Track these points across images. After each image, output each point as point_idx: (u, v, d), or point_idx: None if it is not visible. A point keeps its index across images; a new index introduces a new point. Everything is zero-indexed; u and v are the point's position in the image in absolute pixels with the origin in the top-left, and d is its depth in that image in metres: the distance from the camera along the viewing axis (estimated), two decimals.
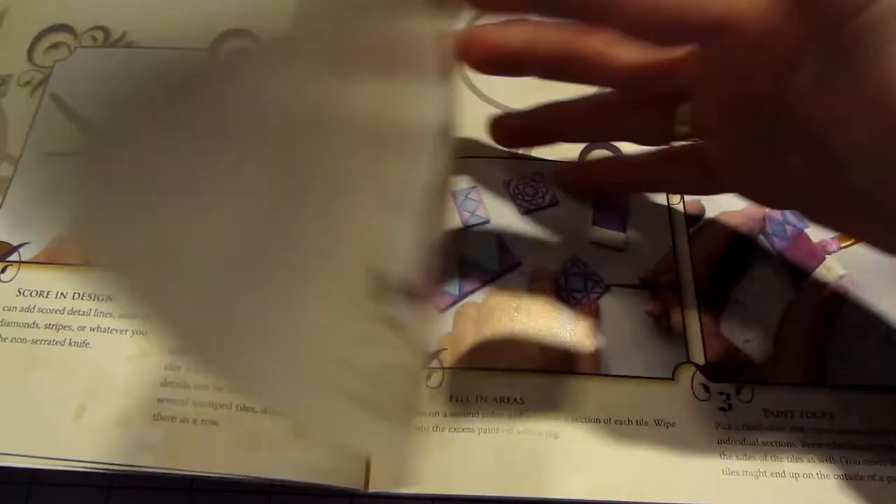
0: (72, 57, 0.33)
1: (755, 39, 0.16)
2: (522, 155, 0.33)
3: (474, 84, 0.35)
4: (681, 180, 0.28)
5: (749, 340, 0.29)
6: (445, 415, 0.27)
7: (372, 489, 0.26)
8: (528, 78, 0.35)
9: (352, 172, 0.18)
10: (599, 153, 0.33)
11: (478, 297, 0.29)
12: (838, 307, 0.29)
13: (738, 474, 0.26)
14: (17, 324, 0.26)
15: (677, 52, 0.21)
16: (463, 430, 0.27)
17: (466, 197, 0.31)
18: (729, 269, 0.30)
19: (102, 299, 0.26)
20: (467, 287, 0.30)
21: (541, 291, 0.29)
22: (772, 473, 0.26)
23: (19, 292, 0.27)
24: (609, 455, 0.26)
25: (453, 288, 0.30)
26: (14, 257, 0.28)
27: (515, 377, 0.28)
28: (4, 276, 0.27)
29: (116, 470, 0.23)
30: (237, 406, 0.24)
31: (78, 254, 0.26)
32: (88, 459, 0.23)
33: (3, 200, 0.29)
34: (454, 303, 0.29)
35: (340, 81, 0.16)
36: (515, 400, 0.27)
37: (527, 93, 0.35)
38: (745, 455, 0.27)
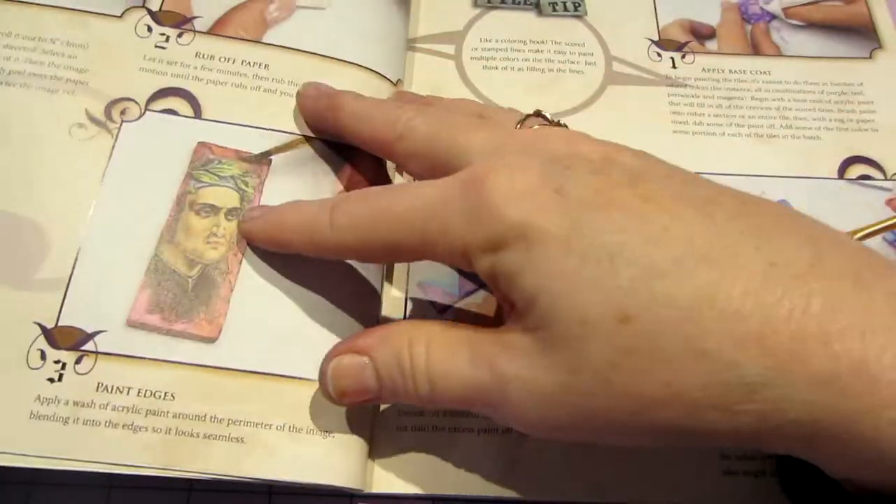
0: None
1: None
2: None
3: (473, 84, 0.35)
4: None
5: None
6: (445, 415, 0.27)
7: (372, 489, 0.26)
8: (527, 77, 0.35)
9: None
10: None
11: (477, 297, 0.29)
12: None
13: (738, 474, 0.26)
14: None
15: None
16: (463, 430, 0.27)
17: None
18: None
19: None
20: (467, 287, 0.30)
21: None
22: (771, 473, 0.26)
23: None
24: (609, 455, 0.26)
25: (453, 288, 0.30)
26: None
27: None
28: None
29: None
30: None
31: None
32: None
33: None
34: (454, 303, 0.29)
35: None
36: None
37: (526, 93, 0.35)
38: (746, 455, 0.27)
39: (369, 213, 0.23)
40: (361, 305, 0.28)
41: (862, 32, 0.38)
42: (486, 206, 0.20)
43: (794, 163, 0.33)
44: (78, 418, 0.24)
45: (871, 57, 0.37)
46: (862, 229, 0.31)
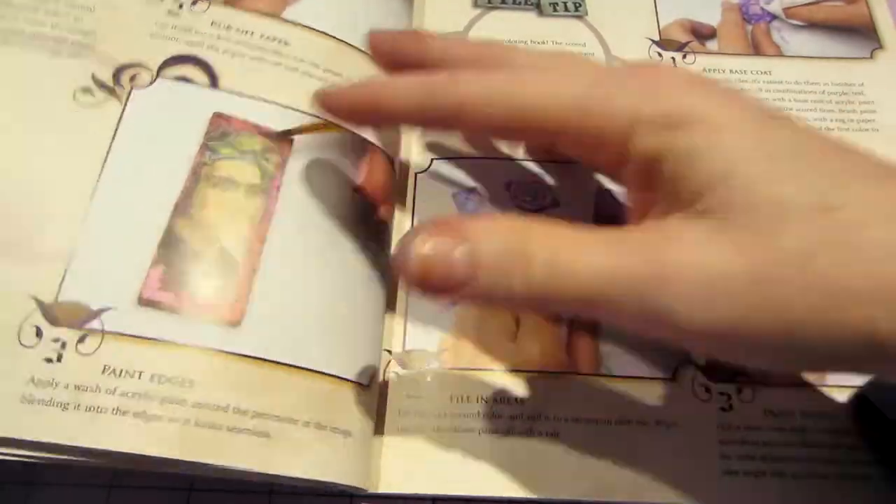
0: None
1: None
2: (524, 157, 0.33)
3: None
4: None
5: None
6: (446, 415, 0.27)
7: (381, 489, 0.26)
8: None
9: None
10: None
11: None
12: None
13: (738, 474, 0.26)
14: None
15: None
16: (464, 430, 0.27)
17: (467, 199, 0.31)
18: None
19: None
20: None
21: None
22: (773, 474, 0.26)
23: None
24: (609, 455, 0.26)
25: None
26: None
27: (516, 377, 0.28)
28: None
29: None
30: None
31: None
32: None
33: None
34: (455, 304, 0.29)
35: None
36: (516, 400, 0.27)
37: None
38: (747, 455, 0.27)
39: (514, 76, 0.21)
40: (378, 301, 0.27)
41: (863, 32, 0.37)
42: (668, 84, 0.20)
43: None
44: (79, 404, 0.22)
45: (871, 57, 0.37)
46: None
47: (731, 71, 0.36)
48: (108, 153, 0.25)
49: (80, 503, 0.25)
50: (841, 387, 0.28)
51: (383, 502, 0.26)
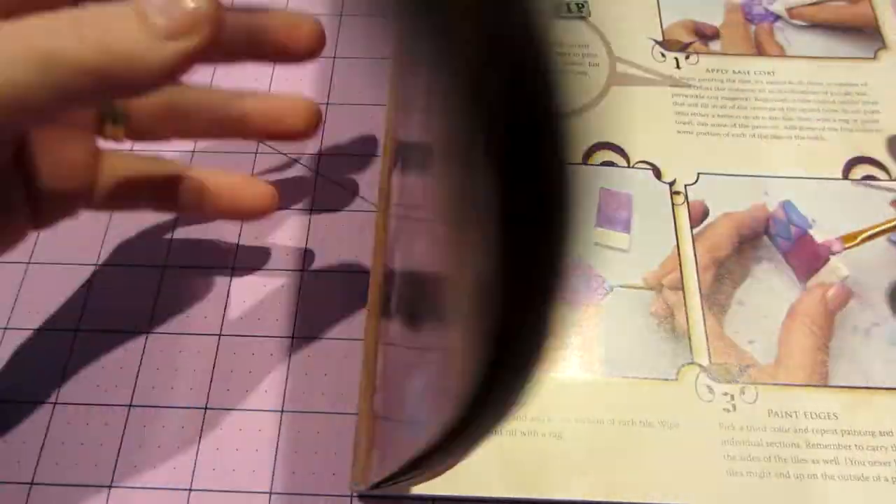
0: None
1: None
2: None
3: None
4: None
5: (753, 341, 0.29)
6: None
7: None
8: None
9: None
10: (603, 154, 0.33)
11: None
12: (842, 308, 0.29)
13: (742, 475, 0.26)
14: None
15: None
16: None
17: None
18: (733, 270, 0.30)
19: None
20: None
21: None
22: (776, 474, 0.26)
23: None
24: (612, 456, 0.26)
25: None
26: None
27: None
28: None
29: None
30: None
31: None
32: None
33: None
34: None
35: None
36: None
37: None
38: (750, 456, 0.26)
39: None
40: None
41: (866, 33, 0.37)
42: None
43: (799, 163, 0.33)
44: None
45: (875, 57, 0.37)
46: (867, 230, 0.31)
47: (734, 71, 0.36)
48: None
49: (80, 503, 0.25)
50: (842, 387, 0.28)
51: (383, 502, 0.26)
